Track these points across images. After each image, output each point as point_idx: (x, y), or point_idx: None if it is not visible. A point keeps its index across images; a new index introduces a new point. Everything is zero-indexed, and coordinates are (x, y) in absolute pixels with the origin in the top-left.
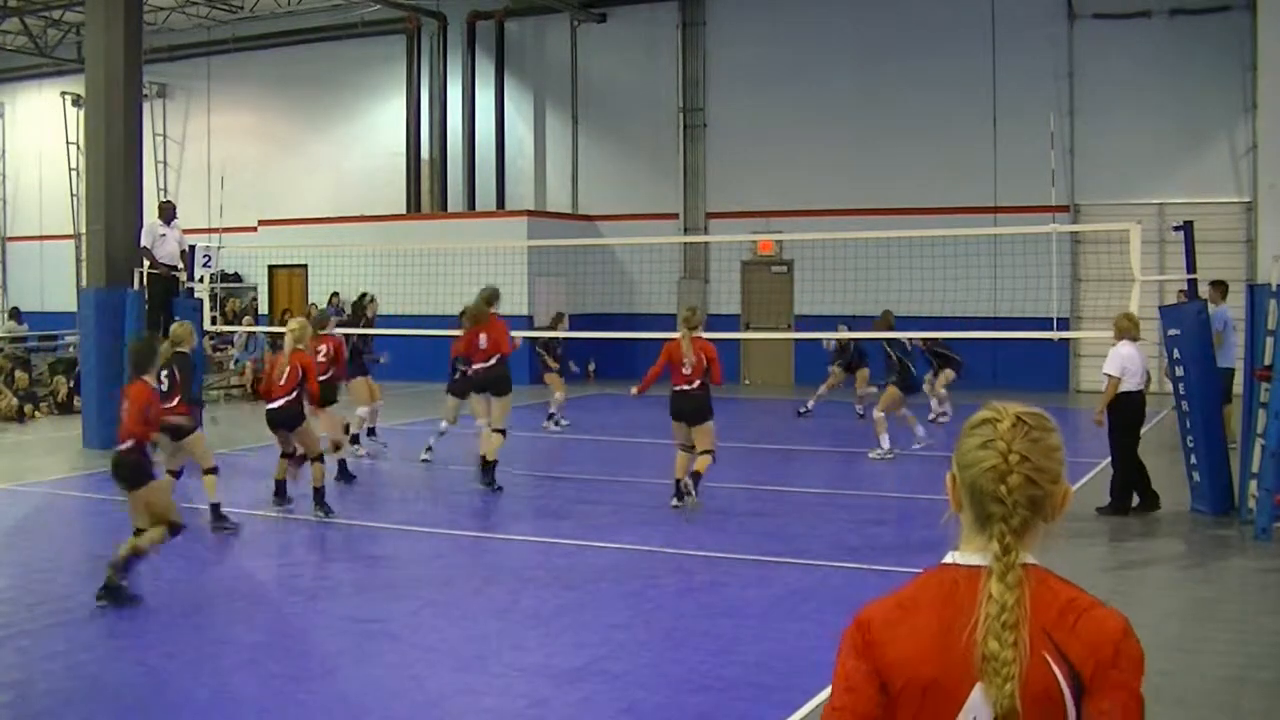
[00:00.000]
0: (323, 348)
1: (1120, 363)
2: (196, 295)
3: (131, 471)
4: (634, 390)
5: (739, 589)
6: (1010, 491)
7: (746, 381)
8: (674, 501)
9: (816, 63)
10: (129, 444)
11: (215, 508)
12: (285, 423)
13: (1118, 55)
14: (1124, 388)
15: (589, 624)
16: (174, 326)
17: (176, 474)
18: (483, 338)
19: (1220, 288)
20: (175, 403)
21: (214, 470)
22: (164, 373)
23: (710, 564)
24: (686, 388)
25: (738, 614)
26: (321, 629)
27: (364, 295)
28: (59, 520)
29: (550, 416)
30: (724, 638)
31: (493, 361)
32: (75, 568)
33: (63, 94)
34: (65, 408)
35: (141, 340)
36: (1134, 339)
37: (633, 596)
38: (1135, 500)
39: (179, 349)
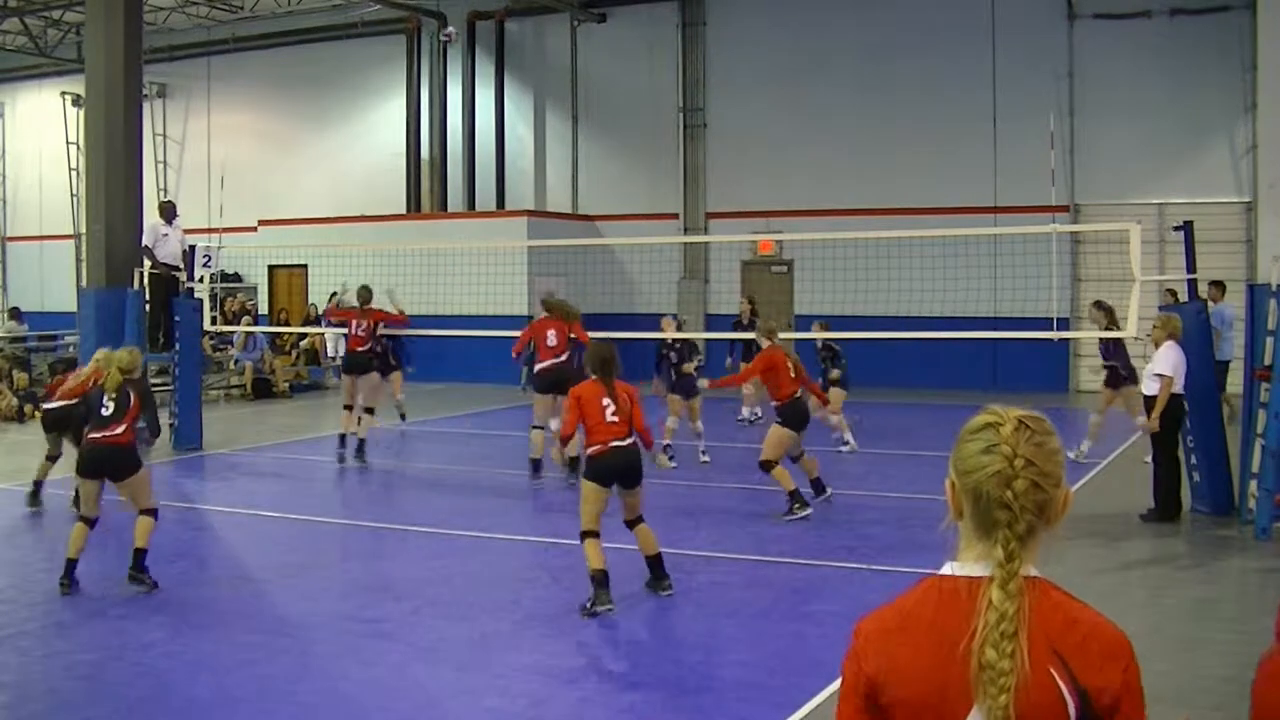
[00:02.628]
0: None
1: (1172, 363)
2: (196, 295)
3: (638, 466)
4: (708, 384)
5: (739, 589)
6: (1016, 496)
7: None
8: (803, 511)
9: (816, 63)
10: (631, 439)
11: (139, 555)
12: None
13: (1118, 55)
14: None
15: (589, 624)
16: (121, 352)
17: (91, 523)
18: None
19: (1219, 286)
20: (120, 430)
21: (153, 513)
22: (109, 397)
23: (710, 564)
24: (799, 395)
25: (738, 614)
26: (321, 629)
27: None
28: (59, 520)
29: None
30: (724, 637)
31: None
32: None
33: (63, 94)
34: None
35: (604, 344)
36: (1178, 342)
37: (633, 597)
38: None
39: (129, 376)
